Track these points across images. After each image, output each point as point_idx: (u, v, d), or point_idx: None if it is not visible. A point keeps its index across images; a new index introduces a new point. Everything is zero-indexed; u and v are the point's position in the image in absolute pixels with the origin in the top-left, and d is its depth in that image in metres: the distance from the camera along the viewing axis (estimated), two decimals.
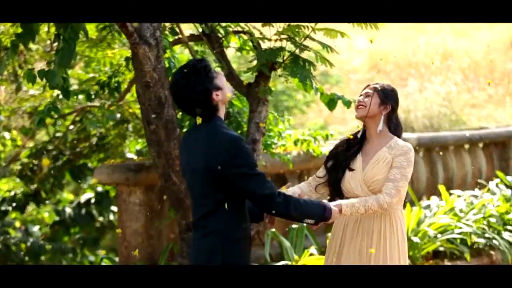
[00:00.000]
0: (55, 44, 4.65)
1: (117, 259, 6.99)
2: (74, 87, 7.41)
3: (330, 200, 4.08)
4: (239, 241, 3.60)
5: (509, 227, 7.32)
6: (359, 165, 4.07)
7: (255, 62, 5.06)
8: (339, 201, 3.82)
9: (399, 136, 4.11)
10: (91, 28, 5.86)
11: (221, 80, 3.66)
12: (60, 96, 5.35)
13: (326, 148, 6.54)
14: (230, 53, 7.23)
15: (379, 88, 4.09)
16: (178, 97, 3.64)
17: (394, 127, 4.10)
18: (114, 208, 9.22)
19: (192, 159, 3.61)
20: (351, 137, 4.19)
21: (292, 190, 4.10)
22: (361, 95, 4.13)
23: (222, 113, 3.67)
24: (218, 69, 5.49)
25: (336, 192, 4.11)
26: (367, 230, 4.03)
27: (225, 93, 3.65)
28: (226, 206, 3.54)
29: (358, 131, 4.19)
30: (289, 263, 5.80)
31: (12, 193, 9.22)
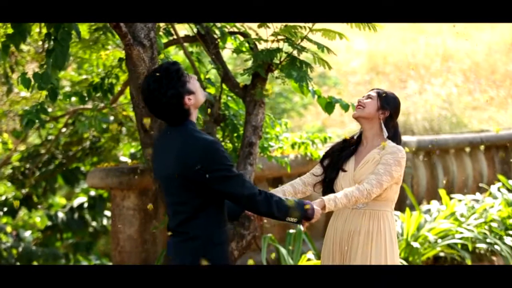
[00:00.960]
0: (46, 45, 4.64)
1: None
2: (67, 89, 7.41)
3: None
4: (220, 244, 3.63)
5: (511, 232, 7.32)
6: (351, 166, 4.20)
7: (251, 63, 5.06)
8: (321, 198, 3.87)
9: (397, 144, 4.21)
10: (84, 29, 5.86)
11: (194, 84, 3.66)
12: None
13: (324, 151, 6.54)
14: (226, 54, 7.22)
15: (382, 93, 4.21)
16: (150, 101, 3.64)
17: (392, 135, 4.20)
18: (107, 213, 9.20)
19: (166, 165, 3.61)
20: (348, 137, 4.33)
21: (283, 188, 4.19)
22: (363, 96, 4.27)
23: (194, 117, 3.68)
24: (213, 71, 5.50)
25: (329, 192, 4.19)
26: (353, 230, 4.12)
27: (197, 98, 3.66)
28: (206, 212, 3.57)
29: (355, 134, 4.32)
30: None
31: (3, 198, 9.19)
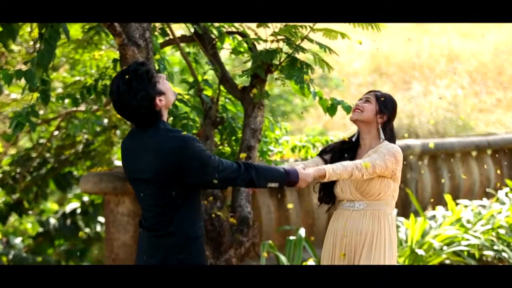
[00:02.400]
0: (38, 45, 4.63)
1: None
2: (59, 90, 7.40)
3: (321, 202, 4.41)
4: (195, 240, 3.67)
5: None
6: None
7: (250, 64, 5.05)
8: (321, 166, 3.97)
9: None
10: (77, 29, 5.85)
11: (164, 84, 3.67)
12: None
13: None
14: (224, 55, 7.21)
15: (380, 96, 4.31)
16: (119, 104, 3.63)
17: (388, 137, 4.31)
18: (101, 219, 9.20)
19: (141, 168, 3.63)
20: (347, 139, 4.43)
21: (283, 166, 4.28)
22: (361, 99, 4.36)
23: (165, 117, 3.69)
24: (211, 72, 5.49)
25: (327, 195, 4.39)
26: (355, 231, 4.22)
27: (168, 98, 3.67)
28: (184, 209, 3.62)
29: (354, 135, 4.43)
30: None
31: None
